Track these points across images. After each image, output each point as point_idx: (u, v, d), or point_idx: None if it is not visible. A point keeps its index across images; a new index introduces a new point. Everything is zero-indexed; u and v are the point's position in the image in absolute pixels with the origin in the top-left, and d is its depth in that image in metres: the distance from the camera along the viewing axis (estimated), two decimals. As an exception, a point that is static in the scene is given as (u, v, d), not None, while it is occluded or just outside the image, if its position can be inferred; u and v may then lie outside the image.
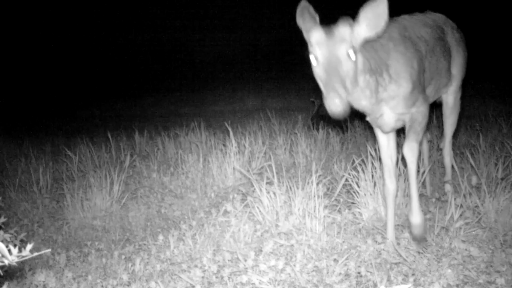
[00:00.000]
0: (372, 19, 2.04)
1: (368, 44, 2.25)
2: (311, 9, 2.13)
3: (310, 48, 2.05)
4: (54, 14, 17.95)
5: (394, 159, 2.73)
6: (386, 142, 2.70)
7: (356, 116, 2.62)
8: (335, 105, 1.86)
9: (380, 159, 3.17)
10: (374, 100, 2.36)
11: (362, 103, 2.36)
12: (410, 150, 2.49)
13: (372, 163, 3.12)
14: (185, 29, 19.07)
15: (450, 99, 3.16)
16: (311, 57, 2.04)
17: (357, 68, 2.12)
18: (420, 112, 2.50)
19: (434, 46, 2.73)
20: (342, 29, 2.01)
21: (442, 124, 3.33)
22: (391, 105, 2.42)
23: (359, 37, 2.06)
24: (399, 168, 3.04)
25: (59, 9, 17.92)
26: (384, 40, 2.39)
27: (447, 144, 3.34)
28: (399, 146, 2.71)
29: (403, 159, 2.74)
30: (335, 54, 1.99)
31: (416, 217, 2.56)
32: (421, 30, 2.70)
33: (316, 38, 2.02)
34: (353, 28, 2.04)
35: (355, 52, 2.04)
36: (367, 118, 2.60)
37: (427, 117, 2.56)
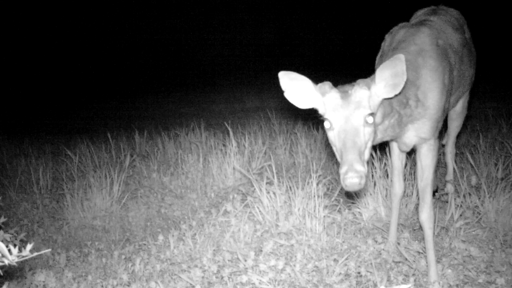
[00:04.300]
0: (389, 80, 1.88)
1: None
2: (296, 74, 1.95)
3: (323, 111, 1.90)
4: (54, 14, 17.95)
5: (404, 161, 2.67)
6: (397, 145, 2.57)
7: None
8: (352, 182, 1.71)
9: (378, 159, 3.18)
10: (398, 129, 2.20)
11: (386, 139, 2.22)
12: (429, 217, 2.36)
13: (372, 163, 3.12)
14: (185, 29, 19.08)
15: (459, 104, 3.02)
16: (325, 122, 1.88)
17: (376, 124, 1.96)
18: (431, 149, 2.32)
19: (462, 55, 2.57)
20: (359, 93, 1.85)
21: (446, 122, 3.24)
22: (416, 126, 2.25)
23: (377, 98, 1.91)
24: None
25: (59, 9, 17.93)
26: (412, 55, 2.21)
27: (450, 143, 3.30)
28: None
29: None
30: (352, 122, 1.82)
31: (434, 277, 2.37)
32: (451, 36, 2.52)
33: (331, 103, 1.86)
34: (371, 90, 1.88)
35: (373, 115, 1.87)
36: None
37: (437, 157, 2.40)
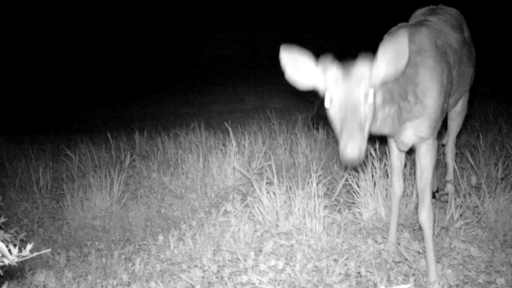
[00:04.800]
0: (392, 57, 1.86)
1: None
2: (297, 49, 1.94)
3: (324, 87, 1.89)
4: (54, 14, 17.96)
5: (403, 161, 2.66)
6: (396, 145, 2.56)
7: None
8: (351, 154, 1.70)
9: (378, 159, 3.18)
10: (397, 124, 2.20)
11: (384, 131, 2.20)
12: (428, 217, 2.35)
13: (372, 163, 3.13)
14: (185, 29, 19.08)
15: (459, 104, 3.02)
16: (326, 98, 1.87)
17: (376, 107, 1.95)
18: (430, 149, 2.32)
19: (462, 55, 2.55)
20: (361, 68, 1.84)
21: (446, 122, 3.23)
22: (414, 124, 2.25)
23: (378, 76, 1.88)
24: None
25: (60, 9, 17.93)
26: (411, 54, 2.17)
27: (450, 143, 3.30)
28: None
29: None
30: (353, 96, 1.81)
31: (433, 277, 2.37)
32: (450, 35, 2.51)
33: (332, 77, 1.84)
34: (372, 67, 1.86)
35: (374, 93, 1.87)
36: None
37: (436, 157, 2.39)
